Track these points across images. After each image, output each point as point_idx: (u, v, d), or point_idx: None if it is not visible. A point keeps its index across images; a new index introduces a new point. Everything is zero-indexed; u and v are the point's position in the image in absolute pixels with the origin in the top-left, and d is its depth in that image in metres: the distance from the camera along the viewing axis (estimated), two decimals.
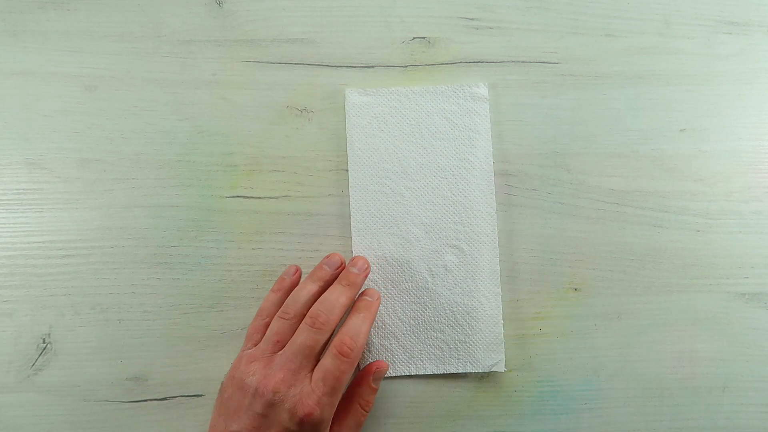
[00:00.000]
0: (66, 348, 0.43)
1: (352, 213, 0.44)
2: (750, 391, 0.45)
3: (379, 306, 0.42)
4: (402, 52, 0.46)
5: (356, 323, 0.39)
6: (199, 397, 0.44)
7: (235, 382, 0.38)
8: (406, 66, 0.46)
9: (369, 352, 0.44)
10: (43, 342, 0.43)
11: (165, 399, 0.44)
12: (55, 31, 0.45)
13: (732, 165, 0.46)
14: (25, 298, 0.43)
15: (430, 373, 0.44)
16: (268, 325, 0.40)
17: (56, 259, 0.44)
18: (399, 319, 0.44)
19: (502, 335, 0.44)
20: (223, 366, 0.44)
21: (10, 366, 0.43)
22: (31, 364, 0.43)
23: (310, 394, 0.36)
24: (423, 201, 0.45)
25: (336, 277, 0.41)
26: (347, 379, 0.37)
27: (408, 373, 0.44)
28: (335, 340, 0.38)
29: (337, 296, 0.39)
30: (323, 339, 0.38)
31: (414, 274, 0.44)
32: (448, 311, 0.44)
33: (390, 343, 0.44)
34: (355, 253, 0.44)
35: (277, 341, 0.38)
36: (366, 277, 0.42)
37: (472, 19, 0.46)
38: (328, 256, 0.42)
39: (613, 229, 0.45)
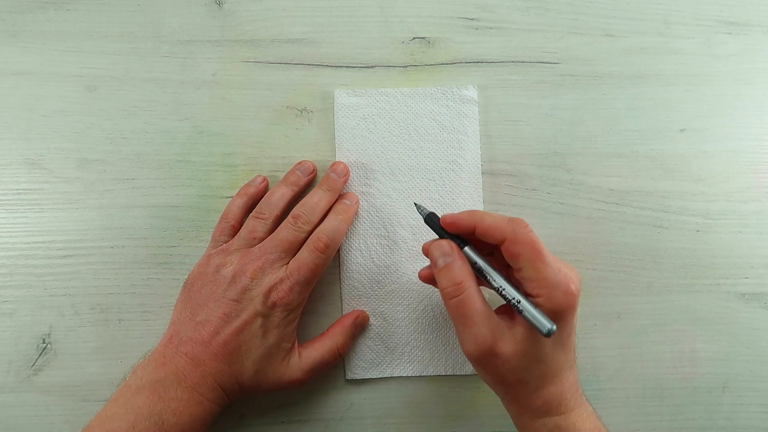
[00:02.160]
0: (66, 348, 0.43)
1: None
2: (750, 391, 0.45)
3: (356, 210, 0.43)
4: (402, 52, 0.46)
5: (334, 223, 0.41)
6: None
7: (207, 276, 0.39)
8: (406, 66, 0.45)
9: (355, 353, 0.44)
10: (43, 342, 0.43)
11: None
12: (55, 31, 0.45)
13: (732, 165, 0.46)
14: (25, 298, 0.43)
15: (416, 375, 0.44)
16: (234, 228, 0.42)
17: (56, 259, 0.44)
18: (385, 321, 0.44)
19: None
20: None
21: (10, 366, 0.43)
22: (31, 364, 0.43)
23: (284, 280, 0.38)
24: (410, 203, 0.44)
25: (307, 183, 0.43)
26: (320, 273, 0.40)
27: (392, 375, 0.44)
28: (313, 237, 0.40)
29: (318, 200, 0.41)
30: (302, 237, 0.40)
31: (400, 275, 0.44)
32: (434, 313, 0.44)
33: (376, 345, 0.44)
34: (342, 261, 0.44)
35: (253, 238, 0.40)
36: (345, 182, 0.43)
37: (472, 19, 0.46)
38: (300, 163, 0.43)
39: (613, 229, 0.45)
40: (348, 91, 0.45)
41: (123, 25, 0.45)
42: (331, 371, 0.44)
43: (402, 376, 0.44)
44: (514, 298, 0.34)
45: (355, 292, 0.44)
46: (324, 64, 0.45)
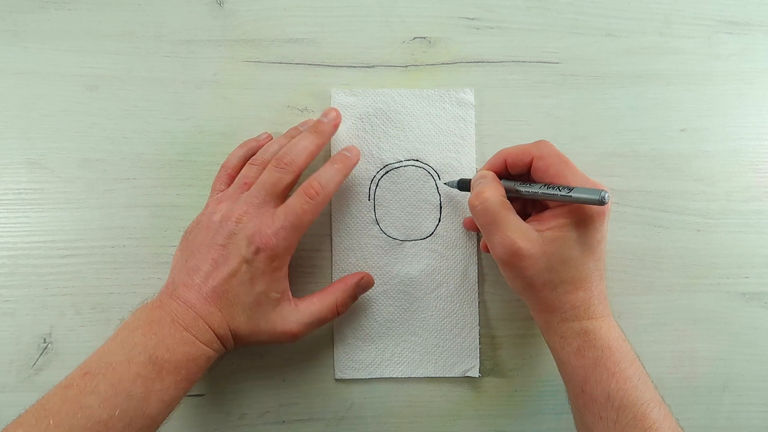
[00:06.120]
0: (67, 348, 0.43)
1: (332, 213, 0.44)
2: (750, 390, 0.45)
3: (356, 163, 0.43)
4: (402, 52, 0.46)
5: (329, 172, 0.40)
6: (200, 397, 0.44)
7: (201, 223, 0.39)
8: (407, 66, 0.46)
9: (344, 353, 0.44)
10: (44, 341, 0.43)
11: None
12: (56, 31, 0.45)
13: (732, 165, 0.46)
14: (26, 297, 0.43)
15: (404, 376, 0.44)
16: (231, 176, 0.42)
17: (57, 258, 0.44)
18: (376, 322, 0.44)
19: (478, 340, 0.44)
20: (223, 366, 0.44)
21: (11, 365, 0.43)
22: (32, 364, 0.43)
23: (269, 225, 0.38)
24: (404, 204, 0.44)
25: None
26: (309, 220, 0.39)
27: (381, 376, 0.44)
28: (304, 183, 0.39)
29: (304, 143, 0.41)
30: (287, 178, 0.39)
31: (392, 277, 0.44)
32: (425, 315, 0.44)
33: (366, 346, 0.44)
34: (335, 260, 0.44)
35: (245, 183, 0.40)
36: (336, 127, 0.43)
37: (472, 18, 0.46)
38: (304, 121, 0.44)
39: (613, 228, 0.45)
40: (345, 90, 0.45)
41: (124, 25, 0.45)
42: (330, 371, 0.44)
43: (401, 377, 0.44)
44: (559, 190, 0.35)
45: None
46: (325, 63, 0.45)
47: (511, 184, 0.39)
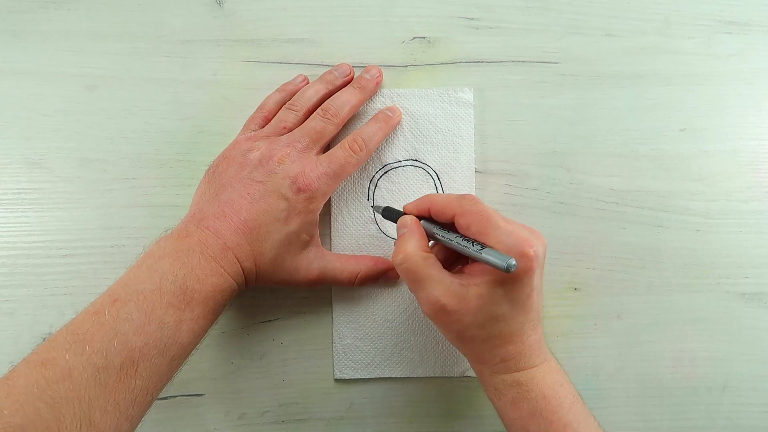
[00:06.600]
0: None
1: (332, 213, 0.44)
2: (750, 390, 0.45)
3: (397, 123, 0.44)
4: (402, 52, 0.46)
5: (372, 129, 0.42)
6: (199, 397, 0.44)
7: (233, 159, 0.39)
8: (406, 66, 0.45)
9: (344, 353, 0.44)
10: (44, 341, 0.43)
11: (165, 399, 0.44)
12: (56, 31, 0.45)
13: (732, 165, 0.46)
14: (25, 297, 0.43)
15: (403, 376, 0.44)
16: (266, 119, 0.42)
17: (56, 258, 0.44)
18: (375, 322, 0.44)
19: None
20: (223, 366, 0.44)
21: (10, 366, 0.43)
22: None
23: (313, 169, 0.39)
24: (403, 204, 0.44)
25: (343, 85, 0.43)
26: (349, 172, 0.40)
27: (381, 376, 0.44)
28: (348, 137, 0.41)
29: (348, 96, 0.42)
30: (330, 129, 0.40)
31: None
32: (424, 315, 0.44)
33: (366, 346, 0.44)
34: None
35: (283, 127, 0.41)
36: (378, 84, 0.44)
37: (472, 18, 0.46)
38: (338, 65, 0.44)
39: (613, 228, 0.45)
40: None
41: (123, 25, 0.45)
42: (330, 371, 0.44)
43: (401, 377, 0.44)
44: (473, 245, 0.34)
45: (346, 293, 0.44)
46: (324, 63, 0.45)
47: (430, 227, 0.37)
